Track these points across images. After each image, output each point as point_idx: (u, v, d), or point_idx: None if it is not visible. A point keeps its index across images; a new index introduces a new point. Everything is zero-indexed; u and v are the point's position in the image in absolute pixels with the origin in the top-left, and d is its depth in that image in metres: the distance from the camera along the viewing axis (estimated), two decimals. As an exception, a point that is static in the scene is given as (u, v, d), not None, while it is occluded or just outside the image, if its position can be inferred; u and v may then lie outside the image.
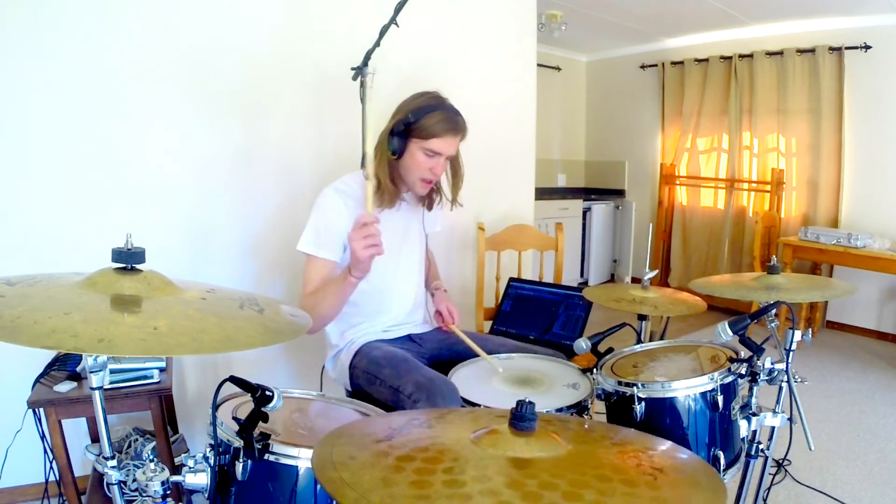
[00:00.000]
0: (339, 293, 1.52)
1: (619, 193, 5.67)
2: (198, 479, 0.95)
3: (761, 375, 1.34)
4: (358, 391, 1.65)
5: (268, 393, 0.93)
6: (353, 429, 0.89)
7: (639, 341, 1.78)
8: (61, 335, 0.74)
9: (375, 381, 1.54)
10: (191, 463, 0.95)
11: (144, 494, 0.90)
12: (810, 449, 1.38)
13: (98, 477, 1.87)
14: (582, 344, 1.56)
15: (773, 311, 1.44)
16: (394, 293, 1.74)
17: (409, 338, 1.78)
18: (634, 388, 1.32)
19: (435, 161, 1.58)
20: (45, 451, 1.65)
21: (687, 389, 1.31)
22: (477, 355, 1.64)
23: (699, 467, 0.80)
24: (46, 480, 1.71)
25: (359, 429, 0.89)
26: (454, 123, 1.57)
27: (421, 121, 1.53)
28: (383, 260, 1.54)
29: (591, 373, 1.49)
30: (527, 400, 0.80)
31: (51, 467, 1.64)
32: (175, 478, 0.93)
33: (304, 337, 0.97)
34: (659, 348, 1.62)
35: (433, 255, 2.00)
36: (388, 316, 1.74)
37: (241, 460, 0.93)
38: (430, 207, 1.78)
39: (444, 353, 1.75)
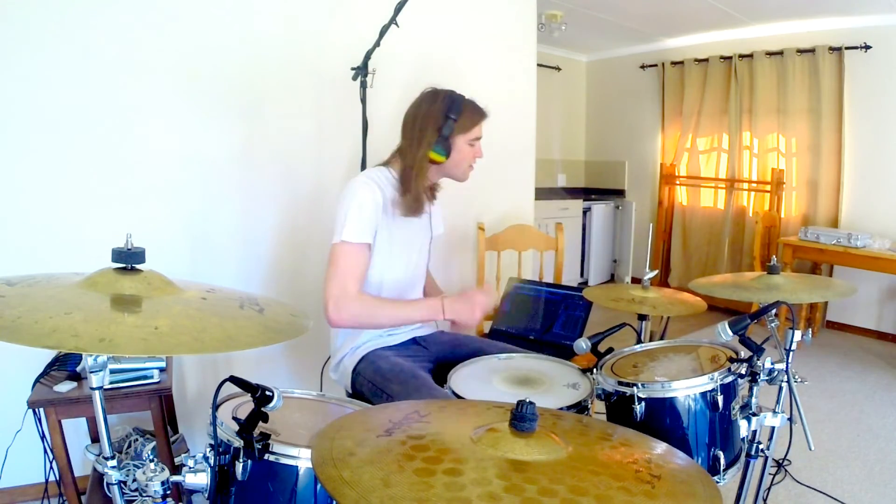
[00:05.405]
0: (406, 318, 1.61)
1: (619, 193, 5.67)
2: (198, 479, 0.95)
3: (761, 375, 1.34)
4: (359, 396, 1.64)
5: (268, 393, 0.93)
6: (353, 421, 0.89)
7: (639, 341, 1.78)
8: (62, 335, 0.75)
9: (382, 395, 1.54)
10: (191, 463, 0.95)
11: (144, 494, 0.90)
12: (810, 449, 1.38)
13: (98, 477, 1.87)
14: (582, 344, 1.56)
15: (773, 311, 1.44)
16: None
17: (414, 341, 1.78)
18: (634, 388, 1.32)
19: (477, 146, 1.69)
20: (45, 451, 1.65)
21: (687, 389, 1.31)
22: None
23: (696, 475, 0.81)
24: (46, 480, 1.71)
25: (358, 421, 0.89)
26: (481, 107, 1.67)
27: (462, 116, 1.60)
28: (403, 270, 1.67)
29: (591, 373, 1.49)
30: (527, 400, 0.80)
31: (51, 467, 1.64)
32: (175, 478, 0.93)
33: (304, 337, 0.97)
34: (659, 348, 1.62)
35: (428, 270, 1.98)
36: None
37: (241, 460, 0.92)
38: (433, 197, 1.78)
39: (449, 355, 1.74)
